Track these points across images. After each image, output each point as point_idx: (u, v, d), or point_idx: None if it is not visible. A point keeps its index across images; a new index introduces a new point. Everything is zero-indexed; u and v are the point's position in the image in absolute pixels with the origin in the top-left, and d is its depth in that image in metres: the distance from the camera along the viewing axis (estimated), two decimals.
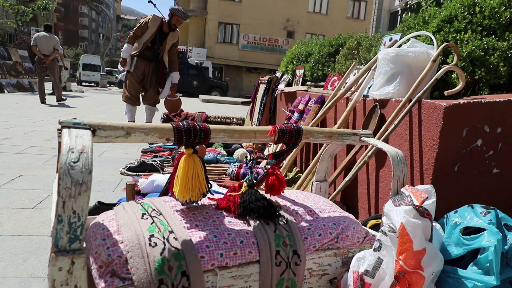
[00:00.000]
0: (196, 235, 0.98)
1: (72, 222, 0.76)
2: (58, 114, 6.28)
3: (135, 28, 4.64)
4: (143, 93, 4.95)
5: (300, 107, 3.05)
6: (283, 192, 1.22)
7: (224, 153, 3.50)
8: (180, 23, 4.65)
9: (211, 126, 1.03)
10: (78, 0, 61.03)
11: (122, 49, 4.70)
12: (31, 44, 8.03)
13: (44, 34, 7.97)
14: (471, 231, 1.18)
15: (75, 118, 0.88)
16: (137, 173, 2.82)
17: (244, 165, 2.66)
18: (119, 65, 4.84)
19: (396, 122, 1.77)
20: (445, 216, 1.30)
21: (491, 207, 1.20)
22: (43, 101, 8.08)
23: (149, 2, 5.63)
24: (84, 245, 0.80)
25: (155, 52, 4.70)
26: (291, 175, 2.96)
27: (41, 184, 2.45)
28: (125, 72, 4.83)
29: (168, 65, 4.88)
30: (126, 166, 2.95)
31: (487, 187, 1.70)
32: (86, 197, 0.76)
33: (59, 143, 0.84)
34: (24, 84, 11.39)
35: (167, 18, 4.69)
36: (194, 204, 1.13)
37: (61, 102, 8.28)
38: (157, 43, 4.64)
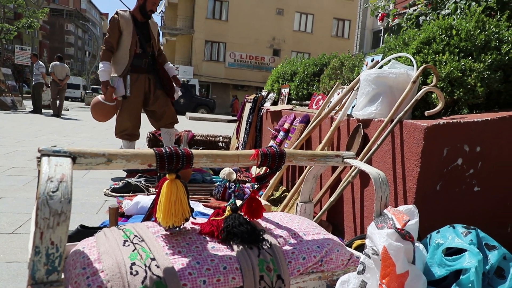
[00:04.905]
0: (179, 262, 0.96)
1: (50, 253, 0.74)
2: (41, 133, 6.18)
3: (106, 38, 3.31)
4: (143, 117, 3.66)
5: (286, 126, 3.08)
6: (261, 217, 1.22)
7: (211, 172, 3.49)
8: (157, 6, 3.46)
9: (194, 151, 1.03)
10: (64, 18, 61.03)
11: (98, 71, 3.34)
12: (49, 71, 9.99)
13: (59, 63, 9.95)
14: (453, 251, 1.19)
15: (55, 146, 0.87)
16: (122, 194, 2.78)
17: (228, 189, 2.65)
18: (100, 97, 3.31)
19: (379, 142, 1.80)
20: (428, 236, 1.31)
21: (472, 227, 1.22)
22: (58, 115, 9.99)
23: None
24: (63, 276, 0.78)
25: (148, 57, 3.44)
26: (277, 194, 2.95)
27: (21, 207, 2.39)
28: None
29: (157, 59, 3.61)
30: (110, 187, 2.91)
31: (469, 205, 1.73)
32: (65, 227, 0.75)
33: (39, 171, 0.83)
34: (6, 102, 11.20)
35: (133, 8, 3.48)
36: (177, 229, 1.12)
37: (58, 116, 9.96)
38: (144, 43, 3.41)
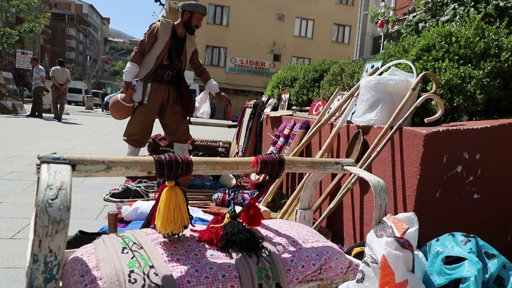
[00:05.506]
0: (177, 270, 0.96)
1: (48, 261, 0.74)
2: (41, 137, 6.18)
3: (141, 41, 3.39)
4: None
5: (286, 132, 3.08)
6: (260, 225, 1.22)
7: (210, 177, 3.49)
8: (201, 21, 3.48)
9: (193, 159, 1.03)
10: (65, 22, 61.33)
11: (124, 70, 3.40)
12: (50, 75, 10.08)
13: (59, 68, 10.01)
14: (453, 259, 1.19)
15: (55, 153, 0.87)
16: (121, 200, 2.78)
17: (228, 195, 2.65)
18: (119, 96, 3.38)
19: (378, 149, 1.80)
20: (427, 244, 1.31)
21: (471, 235, 1.22)
22: (58, 118, 10.11)
23: (156, 1, 4.97)
24: (61, 284, 0.78)
25: (173, 70, 3.45)
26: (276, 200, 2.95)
27: (20, 212, 2.38)
28: (114, 95, 3.49)
29: (200, 77, 3.83)
30: (109, 192, 2.90)
31: (469, 212, 1.73)
32: (64, 235, 0.75)
33: (38, 178, 0.83)
34: (7, 106, 11.22)
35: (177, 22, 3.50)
36: (176, 236, 1.11)
37: (59, 120, 10.14)
38: (174, 56, 3.42)
